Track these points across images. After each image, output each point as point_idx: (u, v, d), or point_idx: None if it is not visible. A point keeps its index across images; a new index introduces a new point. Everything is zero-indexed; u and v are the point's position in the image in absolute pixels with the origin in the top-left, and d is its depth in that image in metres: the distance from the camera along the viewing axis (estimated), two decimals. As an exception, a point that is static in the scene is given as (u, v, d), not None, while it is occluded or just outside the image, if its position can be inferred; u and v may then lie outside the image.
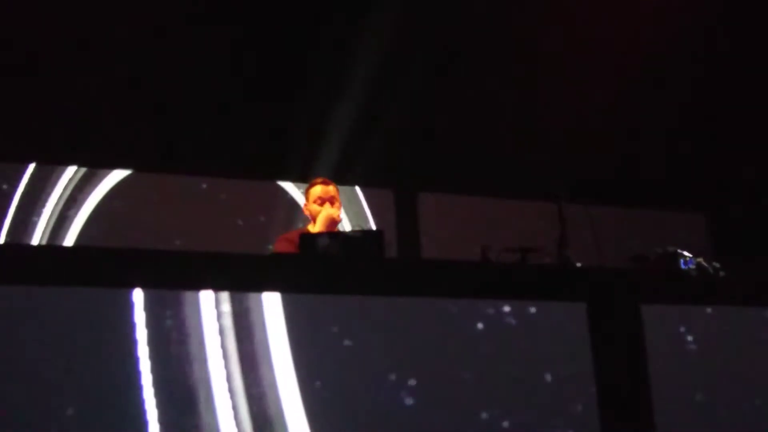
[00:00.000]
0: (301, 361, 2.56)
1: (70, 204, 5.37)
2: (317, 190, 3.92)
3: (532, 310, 2.93)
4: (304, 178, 5.90)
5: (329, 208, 3.86)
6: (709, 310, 3.18)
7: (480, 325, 2.84)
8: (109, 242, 5.20)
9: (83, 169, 5.46)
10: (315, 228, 3.89)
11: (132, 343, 2.42)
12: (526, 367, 2.86)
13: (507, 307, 2.89)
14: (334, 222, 3.85)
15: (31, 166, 5.34)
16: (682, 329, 3.11)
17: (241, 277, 2.61)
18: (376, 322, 2.72)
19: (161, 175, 5.62)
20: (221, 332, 2.51)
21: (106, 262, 2.54)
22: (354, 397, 2.62)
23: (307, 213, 3.99)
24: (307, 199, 3.98)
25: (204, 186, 5.69)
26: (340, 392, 2.60)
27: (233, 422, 2.46)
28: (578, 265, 3.31)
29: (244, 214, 5.71)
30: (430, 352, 2.76)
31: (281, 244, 3.87)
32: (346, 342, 2.66)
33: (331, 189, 3.94)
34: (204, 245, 5.19)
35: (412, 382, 2.69)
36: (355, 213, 6.05)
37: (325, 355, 2.61)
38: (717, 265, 3.34)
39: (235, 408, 2.47)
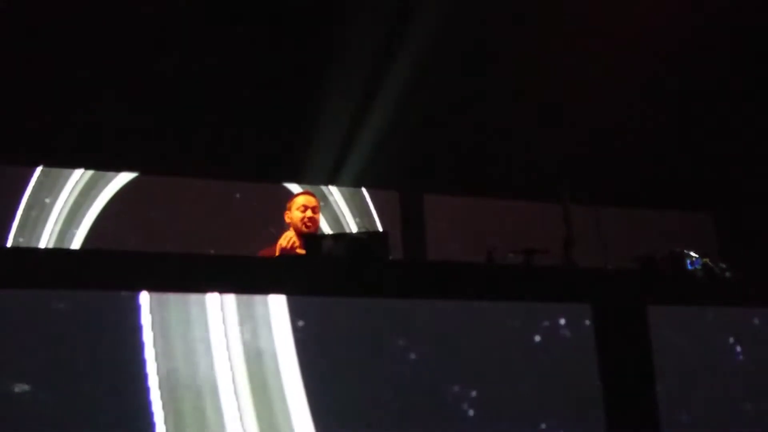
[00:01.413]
0: (307, 363, 2.56)
1: (77, 207, 5.38)
2: (301, 198, 4.16)
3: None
4: (309, 180, 5.91)
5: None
6: (715, 311, 3.18)
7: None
8: (115, 245, 5.21)
9: (90, 172, 5.47)
10: (291, 234, 4.04)
11: (139, 345, 2.43)
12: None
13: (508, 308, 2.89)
14: (309, 229, 4.09)
15: (38, 170, 5.35)
16: (689, 330, 3.10)
17: (247, 280, 2.62)
18: (380, 322, 2.72)
19: (167, 178, 5.63)
20: (227, 335, 2.52)
21: (112, 265, 2.55)
22: (357, 395, 2.62)
23: (288, 220, 4.16)
24: (289, 207, 4.17)
25: (210, 188, 5.71)
26: (341, 391, 2.61)
27: (240, 425, 2.47)
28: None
29: (250, 216, 5.72)
30: (431, 351, 2.76)
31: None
32: (354, 343, 2.66)
33: (313, 199, 4.20)
34: (209, 248, 5.22)
35: (412, 379, 2.69)
36: (361, 214, 6.06)
37: (331, 356, 2.62)
38: (723, 265, 3.33)
39: (240, 410, 2.48)
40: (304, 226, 4.05)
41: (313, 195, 4.24)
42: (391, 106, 5.86)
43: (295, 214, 4.10)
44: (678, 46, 5.95)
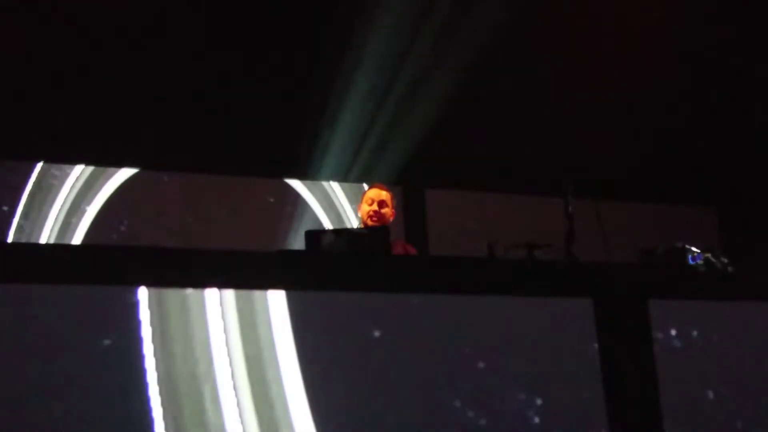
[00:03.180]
0: (306, 359, 2.56)
1: (78, 203, 5.38)
2: (371, 191, 4.19)
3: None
4: (313, 175, 5.91)
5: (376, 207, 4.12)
6: (717, 305, 3.17)
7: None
8: (116, 241, 5.21)
9: (91, 168, 5.46)
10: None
11: (137, 341, 2.42)
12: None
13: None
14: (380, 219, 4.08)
15: (39, 165, 5.35)
16: (690, 325, 3.09)
17: (246, 275, 2.61)
18: (382, 319, 2.72)
19: (168, 173, 5.63)
20: (226, 330, 2.51)
21: (111, 260, 2.54)
22: (355, 393, 2.62)
23: (360, 213, 4.21)
24: (360, 200, 4.22)
25: (211, 183, 5.70)
26: (341, 388, 2.60)
27: (238, 420, 2.46)
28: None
29: (251, 211, 5.72)
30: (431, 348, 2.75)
31: None
32: (354, 339, 2.66)
33: (383, 193, 4.17)
34: (210, 244, 5.22)
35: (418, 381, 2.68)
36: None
37: (331, 352, 2.61)
38: (725, 260, 3.32)
39: (240, 406, 2.47)
40: (369, 219, 4.08)
41: (384, 188, 4.23)
42: (394, 102, 5.86)
43: (363, 207, 4.14)
44: (681, 42, 5.94)
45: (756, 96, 6.27)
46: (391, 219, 4.16)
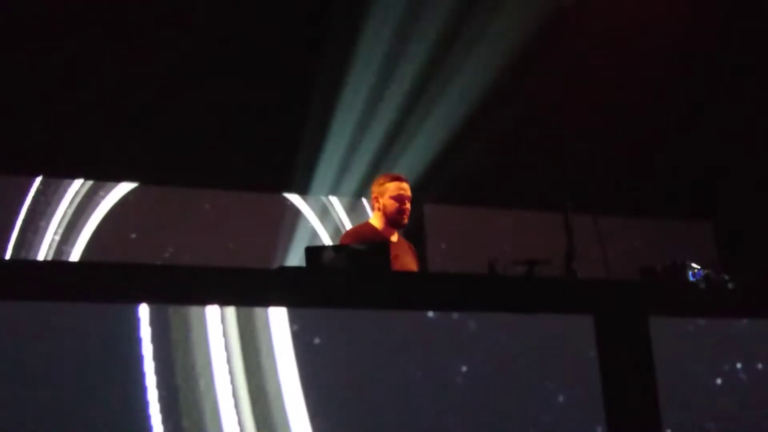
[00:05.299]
0: (308, 376, 2.55)
1: (76, 218, 5.37)
2: (395, 186, 3.85)
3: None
4: (310, 191, 5.90)
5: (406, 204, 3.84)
6: (717, 322, 3.16)
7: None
8: (115, 256, 5.20)
9: (89, 182, 5.45)
10: (379, 221, 3.86)
11: (138, 358, 2.41)
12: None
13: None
14: (403, 221, 3.84)
15: (38, 180, 5.34)
16: (690, 341, 3.09)
17: (247, 292, 2.60)
18: (382, 335, 2.71)
19: (167, 188, 5.62)
20: (227, 347, 2.50)
21: (111, 277, 2.53)
22: (355, 409, 2.61)
23: (377, 205, 3.88)
24: (381, 193, 3.86)
25: (210, 198, 5.69)
26: (341, 404, 2.59)
27: (240, 438, 2.45)
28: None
29: (250, 226, 5.71)
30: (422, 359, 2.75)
31: (346, 240, 3.87)
32: (355, 355, 2.65)
33: (406, 186, 3.87)
34: (210, 259, 5.21)
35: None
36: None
37: (331, 369, 2.60)
38: (725, 276, 3.32)
39: (241, 424, 2.46)
40: (401, 217, 3.80)
41: (406, 180, 3.89)
42: (392, 117, 5.87)
43: (388, 201, 3.80)
44: (678, 57, 5.97)
45: (753, 109, 6.29)
46: None
